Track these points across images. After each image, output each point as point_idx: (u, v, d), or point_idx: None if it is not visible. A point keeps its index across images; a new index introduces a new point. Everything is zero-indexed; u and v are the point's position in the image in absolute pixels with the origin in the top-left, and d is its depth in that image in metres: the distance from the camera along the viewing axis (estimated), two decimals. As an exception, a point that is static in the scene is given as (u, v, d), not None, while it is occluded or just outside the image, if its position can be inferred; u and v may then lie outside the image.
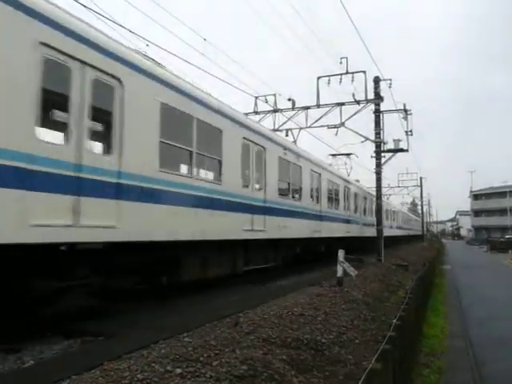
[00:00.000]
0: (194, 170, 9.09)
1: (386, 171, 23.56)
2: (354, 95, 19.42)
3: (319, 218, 17.26)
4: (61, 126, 5.98)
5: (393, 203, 46.23)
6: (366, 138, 20.16)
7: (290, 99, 20.46)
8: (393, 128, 23.64)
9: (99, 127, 6.43)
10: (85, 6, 8.33)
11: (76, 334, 6.30)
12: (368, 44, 32.26)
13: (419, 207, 78.42)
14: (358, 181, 23.33)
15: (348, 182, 22.82)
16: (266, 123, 20.09)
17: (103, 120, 6.55)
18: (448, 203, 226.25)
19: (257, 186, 11.88)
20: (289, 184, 14.23)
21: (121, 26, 10.67)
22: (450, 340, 7.28)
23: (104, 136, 6.88)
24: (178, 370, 4.01)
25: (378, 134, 19.71)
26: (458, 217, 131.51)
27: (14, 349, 5.59)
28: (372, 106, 19.63)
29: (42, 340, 6.06)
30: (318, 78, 19.92)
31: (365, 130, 21.06)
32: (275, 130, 19.59)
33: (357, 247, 22.30)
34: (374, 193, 26.28)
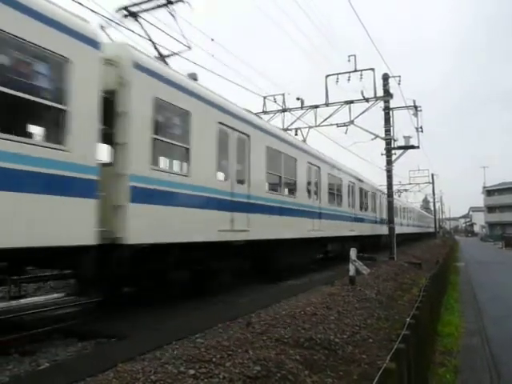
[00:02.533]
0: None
1: (396, 168, 22.63)
2: (362, 93, 19.34)
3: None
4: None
5: (402, 200, 45.81)
6: (376, 136, 20.02)
7: (298, 98, 20.47)
8: (403, 125, 23.40)
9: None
10: (92, 11, 8.38)
11: (90, 335, 6.35)
12: (376, 46, 32.06)
13: (431, 204, 77.78)
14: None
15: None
16: (275, 123, 20.10)
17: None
18: (461, 199, 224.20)
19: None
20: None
21: (130, 30, 10.73)
22: (466, 338, 7.17)
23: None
24: (191, 371, 4.02)
25: (387, 131, 19.56)
26: (471, 213, 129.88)
27: (30, 351, 5.65)
28: (381, 104, 19.51)
29: (57, 342, 6.12)
30: (327, 76, 19.85)
31: (374, 127, 20.95)
32: (285, 130, 19.55)
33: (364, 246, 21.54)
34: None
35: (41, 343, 5.98)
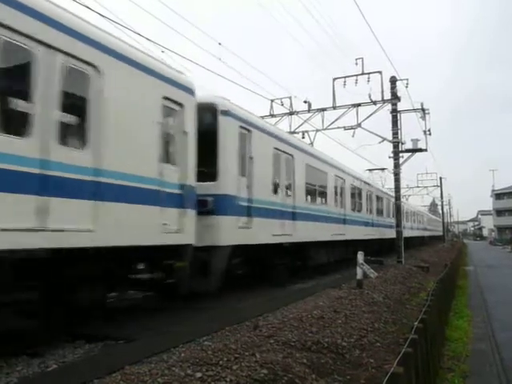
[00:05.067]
0: None
1: (404, 171, 22.44)
2: (370, 96, 19.29)
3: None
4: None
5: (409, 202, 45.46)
6: (384, 139, 19.94)
7: (305, 101, 20.45)
8: (411, 128, 23.23)
9: None
10: (101, 15, 8.47)
11: (98, 338, 6.37)
12: (383, 49, 32.01)
13: (439, 207, 77.19)
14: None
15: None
16: (282, 126, 20.09)
17: None
18: (469, 203, 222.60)
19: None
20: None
21: (138, 33, 10.82)
22: (475, 343, 7.09)
23: None
24: (198, 374, 4.02)
25: (395, 134, 19.47)
26: (479, 216, 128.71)
27: (38, 353, 5.69)
28: (389, 106, 19.43)
29: (65, 344, 6.15)
30: (334, 79, 19.85)
31: (382, 130, 20.84)
32: (292, 133, 19.52)
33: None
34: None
35: (49, 345, 6.02)
